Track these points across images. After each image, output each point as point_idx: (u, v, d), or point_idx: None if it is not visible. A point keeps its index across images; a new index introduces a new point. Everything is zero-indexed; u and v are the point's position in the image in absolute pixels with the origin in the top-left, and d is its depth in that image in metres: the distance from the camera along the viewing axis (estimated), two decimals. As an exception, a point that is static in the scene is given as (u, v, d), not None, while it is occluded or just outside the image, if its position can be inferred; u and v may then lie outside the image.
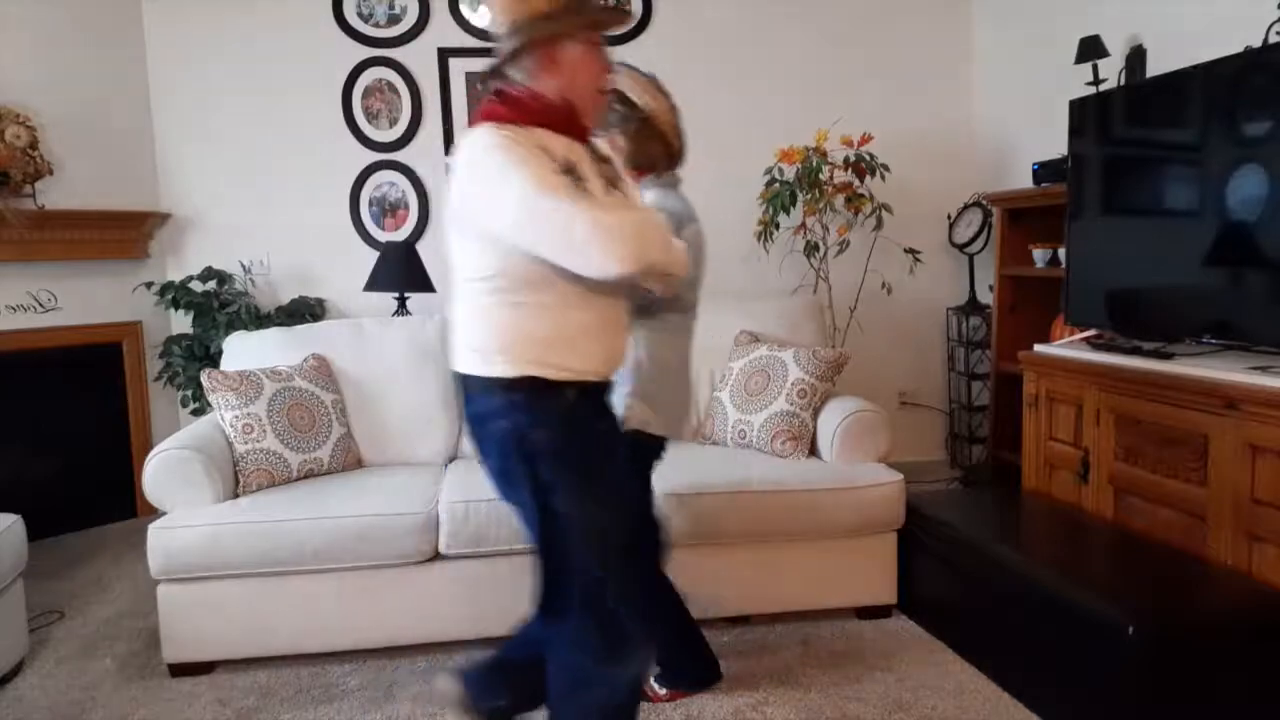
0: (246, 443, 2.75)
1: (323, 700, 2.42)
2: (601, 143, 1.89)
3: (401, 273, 3.80)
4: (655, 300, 1.93)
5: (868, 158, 3.93)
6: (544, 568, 1.77)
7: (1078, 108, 2.97)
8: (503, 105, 1.68)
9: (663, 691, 2.36)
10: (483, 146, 1.60)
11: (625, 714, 1.80)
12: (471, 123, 1.72)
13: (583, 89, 1.72)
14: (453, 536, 2.57)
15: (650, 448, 2.21)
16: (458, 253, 1.69)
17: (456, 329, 1.74)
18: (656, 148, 2.20)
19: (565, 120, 1.70)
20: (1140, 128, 2.79)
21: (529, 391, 1.66)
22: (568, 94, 1.70)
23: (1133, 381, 2.55)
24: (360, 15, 4.19)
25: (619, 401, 2.04)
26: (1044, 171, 3.52)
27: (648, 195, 2.14)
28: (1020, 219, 3.75)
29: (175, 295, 3.94)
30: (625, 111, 2.17)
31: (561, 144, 1.67)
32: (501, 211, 1.57)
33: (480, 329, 1.68)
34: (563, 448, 1.70)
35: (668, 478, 2.73)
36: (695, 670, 2.40)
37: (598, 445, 1.79)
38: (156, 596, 2.54)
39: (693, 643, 2.38)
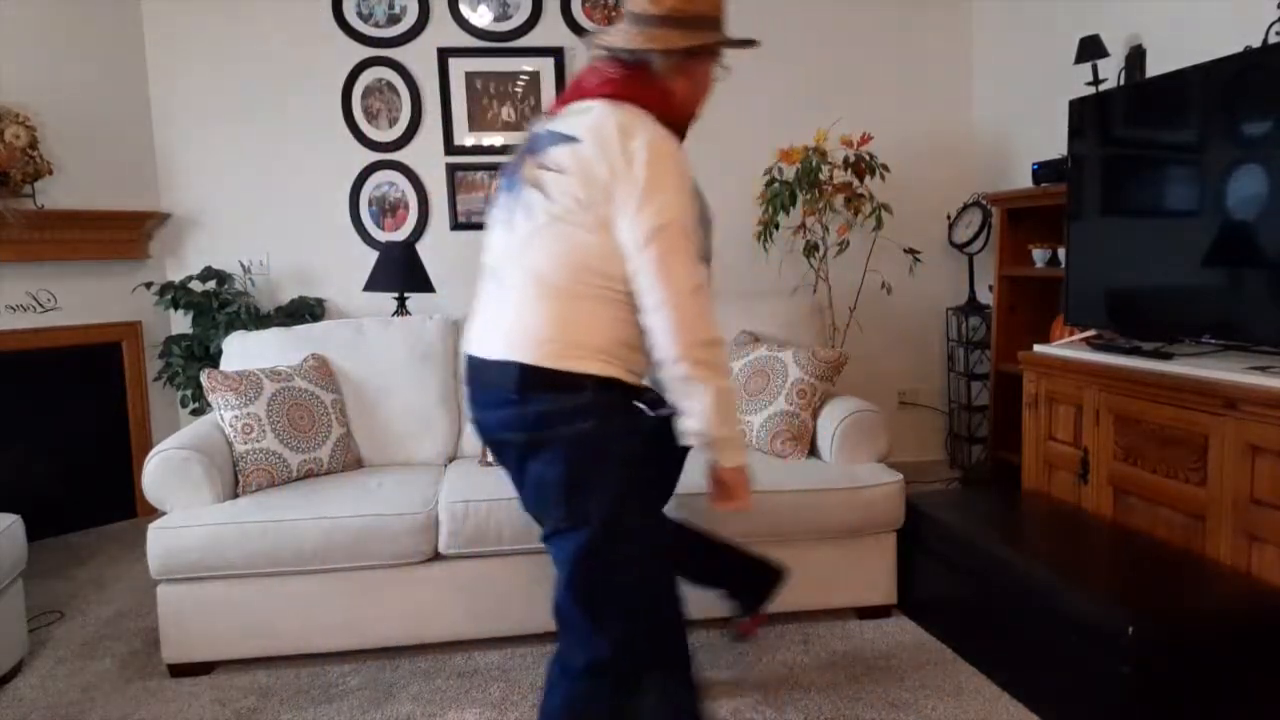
0: (246, 443, 2.75)
1: (323, 700, 2.42)
2: None
3: (401, 273, 3.80)
4: None
5: (867, 158, 3.93)
6: (584, 593, 1.58)
7: (1078, 108, 2.97)
8: (648, 94, 1.60)
9: (747, 619, 2.51)
10: (664, 152, 1.53)
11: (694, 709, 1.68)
12: (597, 87, 1.62)
13: (695, 105, 1.70)
14: (452, 536, 2.57)
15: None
16: (582, 243, 1.54)
17: (524, 320, 1.58)
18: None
19: (680, 132, 1.65)
20: (1140, 128, 2.78)
21: (618, 393, 1.57)
22: (684, 103, 1.67)
23: (1132, 381, 2.55)
24: (360, 15, 4.19)
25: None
26: (1044, 171, 3.52)
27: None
28: (1020, 219, 3.75)
29: (175, 295, 3.94)
30: None
31: None
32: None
33: (580, 325, 1.56)
34: (646, 455, 1.61)
35: (667, 478, 2.74)
36: (758, 582, 2.46)
37: (674, 456, 1.80)
38: (156, 596, 2.54)
39: (737, 563, 2.42)
